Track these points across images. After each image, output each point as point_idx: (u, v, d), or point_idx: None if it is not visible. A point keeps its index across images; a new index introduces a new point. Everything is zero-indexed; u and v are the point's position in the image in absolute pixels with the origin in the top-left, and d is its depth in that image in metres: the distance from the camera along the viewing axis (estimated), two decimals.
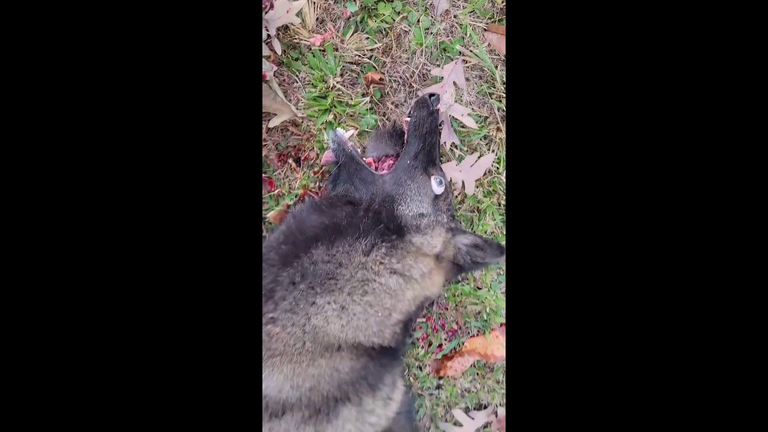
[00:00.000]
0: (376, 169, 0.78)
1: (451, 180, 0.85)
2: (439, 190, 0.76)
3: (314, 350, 0.66)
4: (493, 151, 0.86)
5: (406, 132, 0.80)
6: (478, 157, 0.85)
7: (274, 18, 0.79)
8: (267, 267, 0.69)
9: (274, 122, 0.83)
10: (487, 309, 0.89)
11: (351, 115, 0.84)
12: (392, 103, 0.86)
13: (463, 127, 0.85)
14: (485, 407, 0.92)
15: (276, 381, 0.64)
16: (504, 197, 0.88)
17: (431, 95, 0.79)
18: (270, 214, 0.84)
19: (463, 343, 0.91)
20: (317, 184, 0.87)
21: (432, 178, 0.76)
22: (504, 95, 0.85)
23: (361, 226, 0.70)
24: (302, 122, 0.85)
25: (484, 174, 0.86)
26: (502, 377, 0.91)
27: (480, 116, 0.86)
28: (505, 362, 0.88)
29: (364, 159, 0.78)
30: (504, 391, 0.89)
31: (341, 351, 0.67)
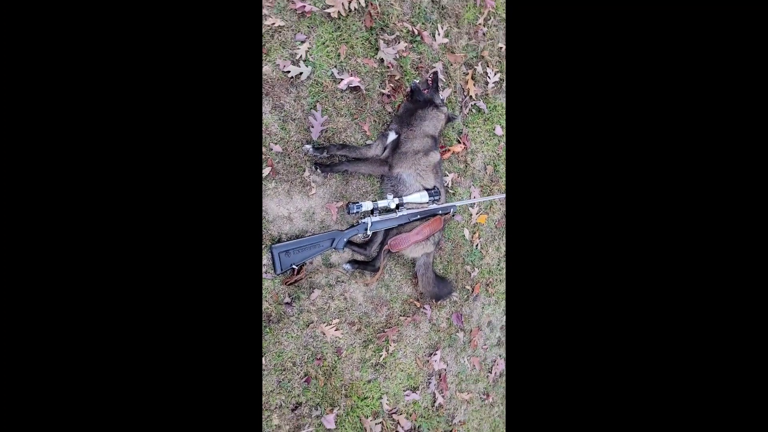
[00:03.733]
0: (424, 91, 2.62)
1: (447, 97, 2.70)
2: (443, 96, 2.62)
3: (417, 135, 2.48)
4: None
5: (430, 80, 2.62)
6: None
7: None
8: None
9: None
10: None
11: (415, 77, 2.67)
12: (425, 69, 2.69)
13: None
14: None
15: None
16: None
17: (435, 73, 2.62)
18: None
19: None
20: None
21: (439, 91, 2.62)
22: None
23: (424, 103, 2.53)
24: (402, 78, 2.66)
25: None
26: None
27: None
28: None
29: (420, 88, 2.61)
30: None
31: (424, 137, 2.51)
